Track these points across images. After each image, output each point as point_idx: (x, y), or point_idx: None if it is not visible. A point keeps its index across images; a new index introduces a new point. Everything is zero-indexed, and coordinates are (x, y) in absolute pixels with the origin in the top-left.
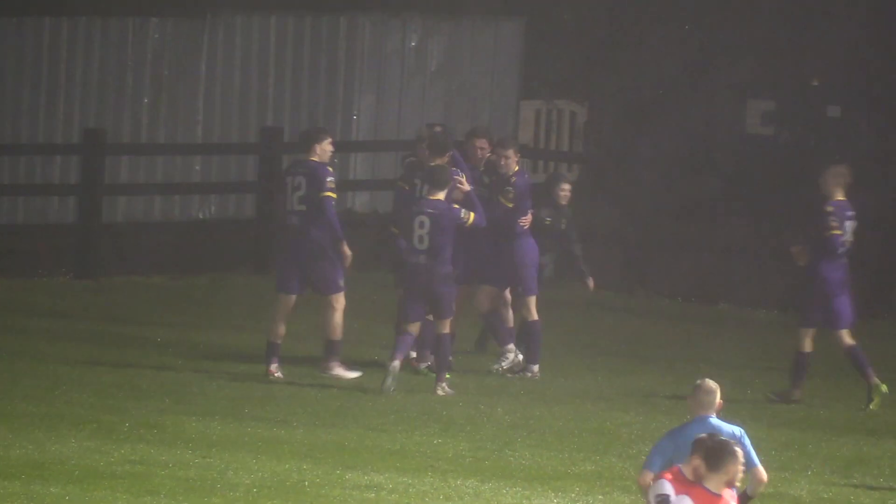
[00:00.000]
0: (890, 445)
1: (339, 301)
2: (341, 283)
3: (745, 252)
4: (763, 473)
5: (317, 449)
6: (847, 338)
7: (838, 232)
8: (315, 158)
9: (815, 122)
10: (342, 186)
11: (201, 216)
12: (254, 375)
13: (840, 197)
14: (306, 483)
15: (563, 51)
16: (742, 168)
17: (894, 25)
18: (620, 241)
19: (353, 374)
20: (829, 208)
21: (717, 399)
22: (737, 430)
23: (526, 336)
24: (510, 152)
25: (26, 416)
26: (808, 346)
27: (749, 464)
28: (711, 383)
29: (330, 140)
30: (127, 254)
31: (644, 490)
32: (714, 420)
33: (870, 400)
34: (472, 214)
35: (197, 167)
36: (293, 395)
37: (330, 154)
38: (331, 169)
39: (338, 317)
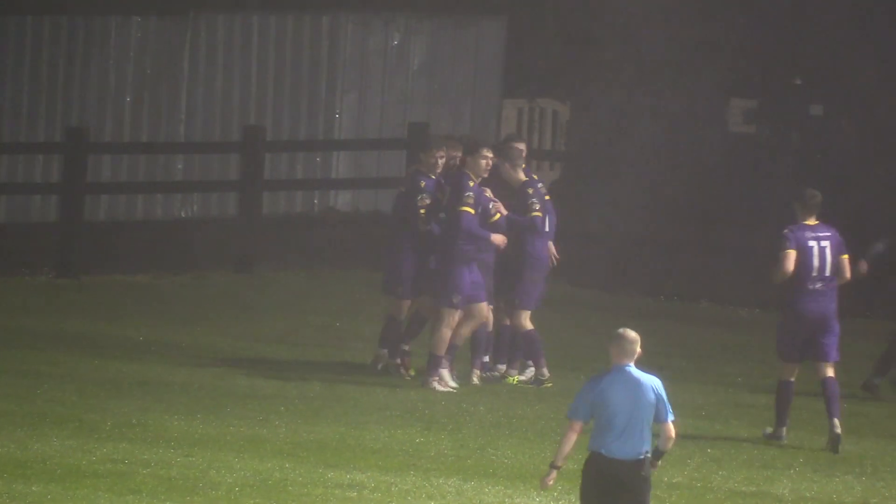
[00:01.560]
0: (871, 443)
1: (451, 315)
2: (455, 300)
3: (730, 251)
4: (673, 430)
5: (299, 447)
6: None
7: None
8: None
9: (798, 121)
10: (324, 185)
11: (183, 214)
12: (236, 374)
13: (809, 221)
14: (288, 482)
15: (545, 49)
16: (724, 166)
17: (875, 23)
18: (604, 239)
19: (451, 386)
20: (785, 231)
21: (637, 349)
22: (655, 381)
23: (527, 347)
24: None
25: (7, 414)
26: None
27: (661, 417)
28: (632, 332)
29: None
30: (109, 252)
31: (569, 441)
32: (632, 369)
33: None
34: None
35: (179, 166)
36: (275, 394)
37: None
38: (471, 183)
39: (445, 332)
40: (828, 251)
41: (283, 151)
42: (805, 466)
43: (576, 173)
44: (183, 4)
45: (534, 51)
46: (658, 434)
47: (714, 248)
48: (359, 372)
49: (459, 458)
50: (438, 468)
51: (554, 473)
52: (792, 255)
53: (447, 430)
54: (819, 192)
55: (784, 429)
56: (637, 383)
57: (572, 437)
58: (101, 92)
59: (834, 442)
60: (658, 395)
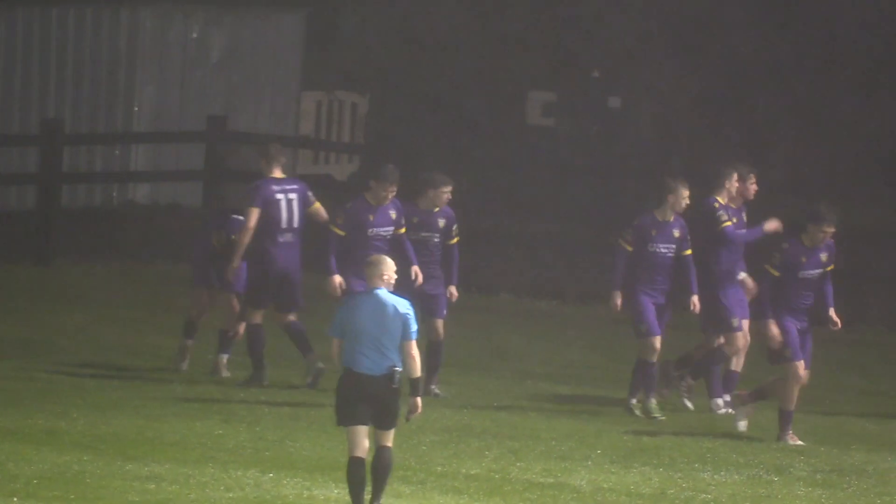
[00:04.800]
0: (669, 435)
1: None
2: (734, 322)
3: (534, 242)
4: (415, 348)
5: (97, 440)
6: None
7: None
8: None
9: (597, 113)
10: (123, 178)
11: None
12: (34, 367)
13: (665, 217)
14: (86, 474)
15: (345, 42)
16: (523, 159)
17: (671, 16)
18: None
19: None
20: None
21: (390, 273)
22: (403, 303)
23: (434, 355)
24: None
25: None
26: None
27: (405, 336)
28: (385, 258)
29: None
30: None
31: (336, 354)
32: (382, 292)
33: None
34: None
35: None
36: (74, 387)
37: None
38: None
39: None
40: (295, 204)
41: (82, 144)
42: (603, 458)
43: (374, 165)
44: None
45: (333, 44)
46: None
47: (516, 240)
48: (158, 365)
49: (258, 451)
50: (237, 460)
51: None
52: (255, 212)
53: (246, 423)
54: (277, 145)
55: (265, 371)
56: (384, 305)
57: (336, 351)
58: None
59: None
60: (404, 316)
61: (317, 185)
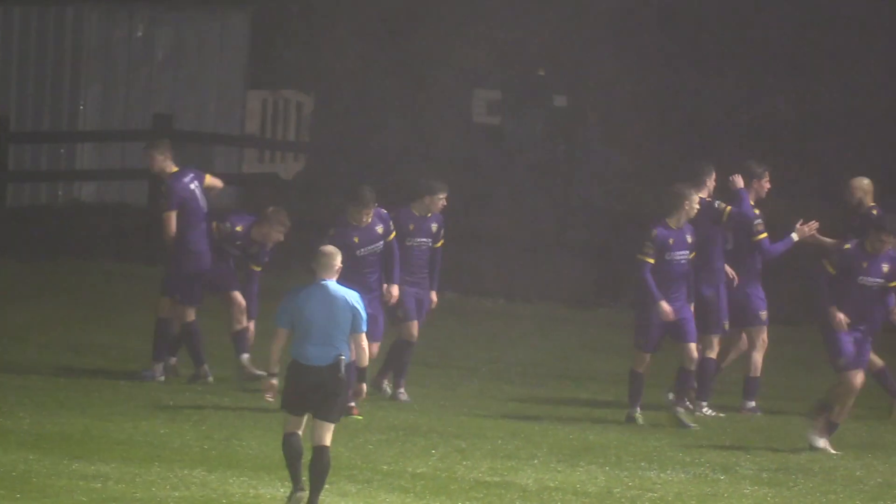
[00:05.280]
0: (615, 434)
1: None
2: (763, 315)
3: (484, 240)
4: (365, 340)
5: (43, 439)
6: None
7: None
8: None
9: (542, 112)
10: (69, 176)
11: None
12: None
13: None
14: (32, 473)
15: (290, 41)
16: (468, 156)
17: (614, 15)
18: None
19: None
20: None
21: (337, 264)
22: (353, 295)
23: (398, 356)
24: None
25: None
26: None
27: (355, 328)
28: (332, 248)
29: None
30: None
31: (277, 348)
32: (330, 283)
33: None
34: None
35: None
36: (20, 386)
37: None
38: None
39: (756, 355)
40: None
41: (27, 143)
42: (549, 456)
43: (320, 164)
44: None
45: (278, 42)
46: (356, 345)
47: (461, 238)
48: (103, 364)
49: (204, 450)
50: (183, 459)
51: (270, 381)
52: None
53: (191, 422)
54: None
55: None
56: (333, 296)
57: (277, 343)
58: None
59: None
60: (353, 308)
61: (263, 183)
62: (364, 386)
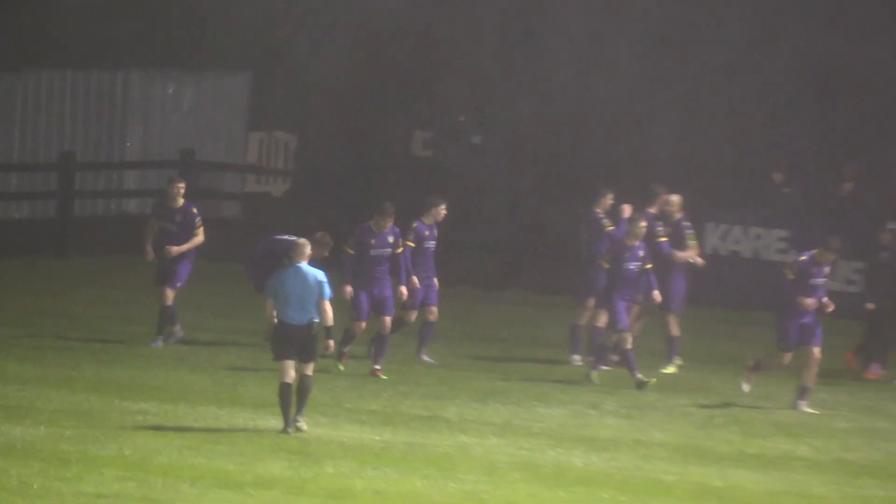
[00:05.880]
0: (516, 381)
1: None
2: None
3: None
4: (328, 306)
5: (100, 384)
6: None
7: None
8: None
9: (463, 148)
10: (119, 194)
11: None
12: (50, 334)
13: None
14: (93, 410)
15: (279, 96)
16: (409, 183)
17: (520, 64)
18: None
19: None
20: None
21: (308, 251)
22: (319, 274)
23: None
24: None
25: None
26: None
27: (321, 297)
28: (303, 241)
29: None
30: None
31: (269, 311)
32: (303, 266)
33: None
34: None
35: None
36: (83, 347)
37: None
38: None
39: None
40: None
41: (89, 170)
42: (467, 397)
43: (302, 186)
44: (16, 62)
45: (271, 96)
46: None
47: None
48: (143, 330)
49: (217, 392)
50: (202, 399)
51: (271, 330)
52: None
53: (207, 372)
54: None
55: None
56: (305, 274)
57: (269, 308)
58: None
59: None
60: (319, 282)
61: (259, 199)
62: (331, 342)
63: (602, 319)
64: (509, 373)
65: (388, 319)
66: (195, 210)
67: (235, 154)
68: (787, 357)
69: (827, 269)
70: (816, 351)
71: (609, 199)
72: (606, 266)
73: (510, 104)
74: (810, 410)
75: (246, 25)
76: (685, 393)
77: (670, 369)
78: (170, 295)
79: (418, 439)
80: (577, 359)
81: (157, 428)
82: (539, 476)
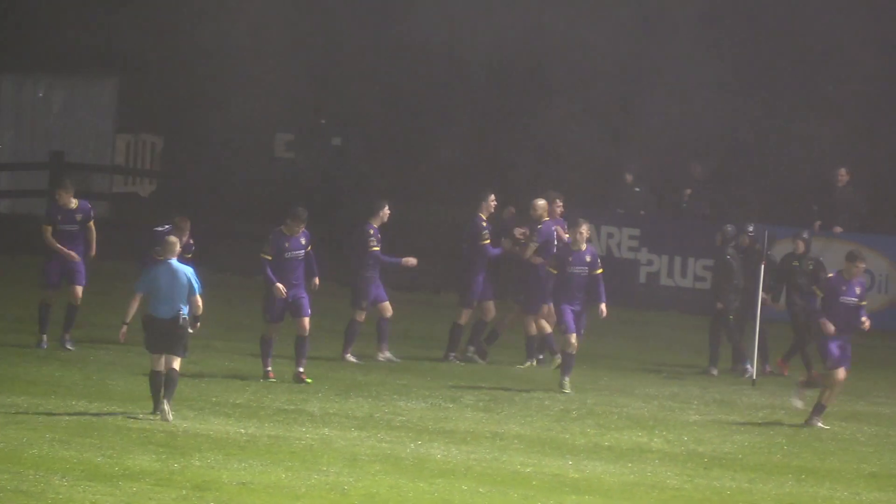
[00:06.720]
0: (376, 375)
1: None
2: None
3: None
4: (200, 300)
5: None
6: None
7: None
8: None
9: (324, 150)
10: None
11: None
12: None
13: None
14: None
15: (146, 100)
16: (271, 183)
17: (384, 73)
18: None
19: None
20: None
21: (177, 249)
22: (188, 269)
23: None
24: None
25: None
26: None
27: (192, 292)
28: (173, 238)
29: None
30: None
31: (132, 306)
32: (173, 262)
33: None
34: None
35: None
36: None
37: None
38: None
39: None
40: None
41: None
42: (329, 391)
43: (167, 186)
44: None
45: (138, 100)
46: (192, 303)
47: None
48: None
49: (87, 387)
50: (72, 393)
51: (124, 329)
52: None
53: (77, 367)
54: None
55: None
56: (175, 270)
57: (133, 303)
58: None
59: None
60: (189, 278)
61: (127, 199)
62: (198, 325)
63: (488, 315)
64: (370, 367)
65: (305, 320)
66: (89, 205)
67: (104, 156)
68: (840, 373)
69: (858, 288)
70: (842, 372)
71: (492, 202)
72: (554, 272)
73: (365, 106)
74: (823, 426)
75: (113, 32)
76: (542, 387)
77: (557, 361)
78: (80, 294)
79: (282, 432)
80: (453, 356)
81: (28, 421)
82: (400, 468)
